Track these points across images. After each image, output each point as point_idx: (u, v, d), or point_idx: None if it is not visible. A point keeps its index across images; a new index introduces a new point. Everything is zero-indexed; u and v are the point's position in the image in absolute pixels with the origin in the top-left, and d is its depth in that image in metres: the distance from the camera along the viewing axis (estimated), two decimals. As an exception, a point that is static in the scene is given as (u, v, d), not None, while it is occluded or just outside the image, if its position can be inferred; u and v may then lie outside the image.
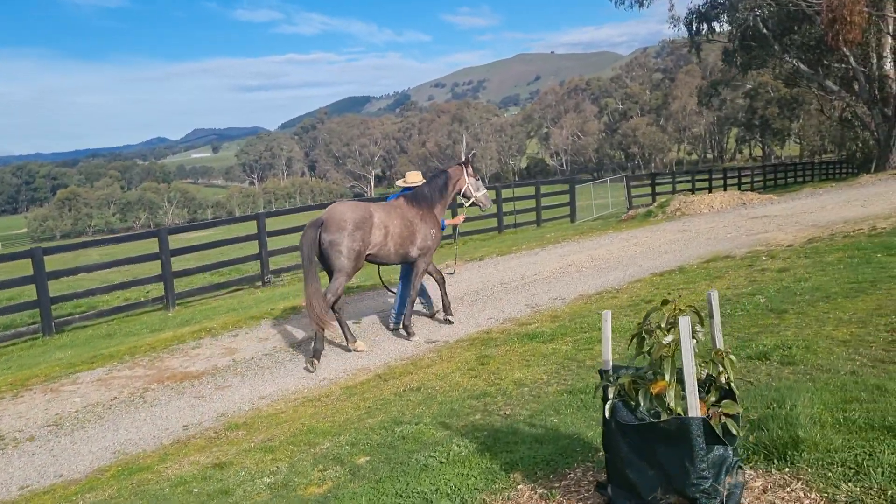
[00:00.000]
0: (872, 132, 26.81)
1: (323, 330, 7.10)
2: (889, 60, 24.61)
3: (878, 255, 8.81)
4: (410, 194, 8.03)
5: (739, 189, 30.76)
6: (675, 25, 29.17)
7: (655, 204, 19.44)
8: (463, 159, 8.41)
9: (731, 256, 10.72)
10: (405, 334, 8.09)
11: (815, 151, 69.84)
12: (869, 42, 25.62)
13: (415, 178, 8.64)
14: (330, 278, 7.28)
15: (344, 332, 7.78)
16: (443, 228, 8.47)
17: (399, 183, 8.79)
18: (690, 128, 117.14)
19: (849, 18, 20.35)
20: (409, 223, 7.67)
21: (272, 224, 14.54)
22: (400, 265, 8.41)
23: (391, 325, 8.54)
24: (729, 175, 32.53)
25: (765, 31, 27.20)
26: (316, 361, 7.21)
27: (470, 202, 8.36)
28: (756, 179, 35.45)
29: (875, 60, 25.55)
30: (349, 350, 7.80)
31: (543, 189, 22.86)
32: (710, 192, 27.42)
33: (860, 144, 32.65)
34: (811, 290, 7.54)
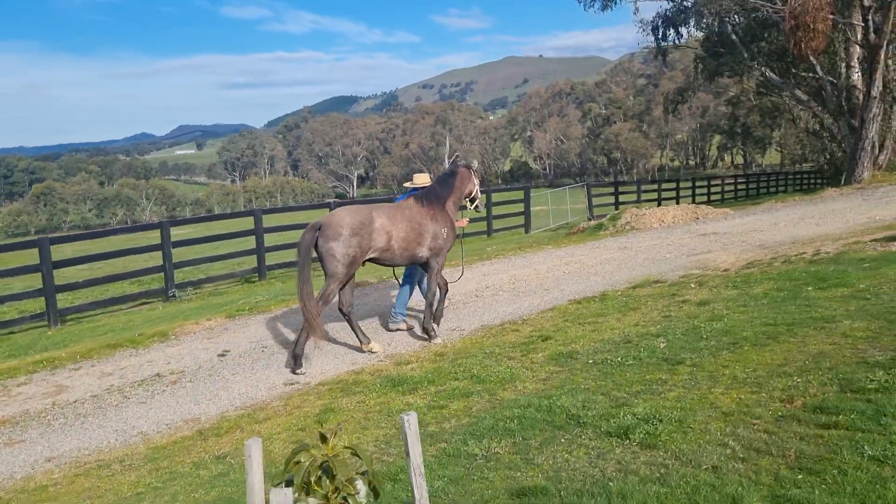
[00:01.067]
0: (839, 144, 25.95)
1: (311, 333, 6.98)
2: (857, 70, 23.71)
3: (809, 289, 7.79)
4: (422, 193, 7.90)
5: (709, 200, 29.88)
6: (643, 30, 28.21)
7: (608, 216, 18.43)
8: (465, 163, 8.44)
9: (661, 281, 9.69)
10: (427, 337, 7.93)
11: (796, 160, 69.31)
12: (836, 51, 24.75)
13: (423, 179, 8.75)
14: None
15: (356, 333, 7.60)
16: None
17: (407, 185, 8.78)
18: (673, 134, 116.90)
19: (812, 26, 19.41)
20: (418, 224, 7.54)
21: (178, 233, 13.34)
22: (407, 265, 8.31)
23: (389, 325, 8.52)
24: (698, 185, 31.60)
25: (734, 37, 26.28)
26: (299, 370, 7.10)
27: (474, 205, 8.45)
28: (727, 189, 34.58)
29: (843, 70, 24.68)
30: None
31: (496, 197, 21.87)
32: (677, 202, 26.62)
33: (828, 156, 31.81)
34: (721, 332, 6.50)
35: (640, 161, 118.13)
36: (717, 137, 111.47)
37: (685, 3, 25.63)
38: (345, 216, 7.12)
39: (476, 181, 8.31)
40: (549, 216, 25.61)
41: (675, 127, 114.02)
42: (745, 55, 26.31)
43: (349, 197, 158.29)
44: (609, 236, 15.99)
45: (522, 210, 21.24)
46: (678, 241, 13.51)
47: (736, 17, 26.24)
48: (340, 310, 7.55)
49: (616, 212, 18.70)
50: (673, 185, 29.65)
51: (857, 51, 23.65)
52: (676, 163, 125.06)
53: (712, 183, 33.41)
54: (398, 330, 8.47)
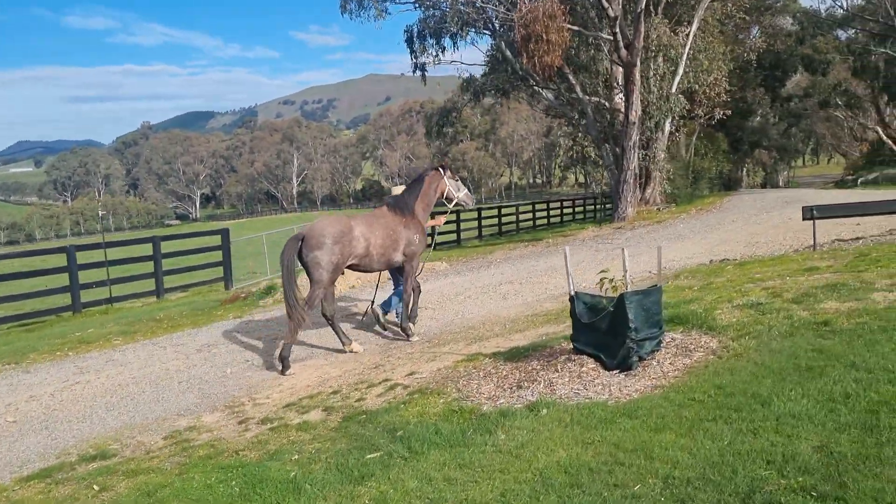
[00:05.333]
0: (610, 173, 22.68)
1: (294, 337, 7.27)
2: (619, 91, 20.57)
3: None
4: (393, 202, 8.13)
5: (480, 235, 26.28)
6: (405, 43, 24.10)
7: (271, 277, 13.85)
8: (435, 165, 8.59)
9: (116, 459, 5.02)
10: (404, 336, 8.12)
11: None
12: (597, 69, 21.70)
13: (399, 191, 8.68)
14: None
15: (339, 336, 7.77)
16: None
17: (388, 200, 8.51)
18: (520, 153, 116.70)
19: (545, 37, 15.87)
20: (392, 231, 7.81)
21: None
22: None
23: (387, 316, 8.60)
24: (484, 216, 27.87)
25: (508, 52, 22.68)
26: (289, 371, 7.11)
27: (454, 203, 8.50)
28: (523, 215, 31.33)
29: (602, 90, 21.64)
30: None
31: (188, 244, 16.76)
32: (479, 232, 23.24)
33: (606, 187, 29.11)
34: None
35: (486, 180, 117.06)
36: (561, 156, 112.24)
37: (434, 11, 21.65)
38: (326, 226, 7.39)
39: (450, 181, 8.40)
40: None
41: (520, 146, 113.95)
42: (519, 71, 22.79)
43: (192, 218, 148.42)
44: (263, 309, 11.40)
45: (221, 259, 16.25)
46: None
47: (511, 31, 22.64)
48: (324, 314, 7.76)
49: (273, 276, 14.11)
50: (475, 213, 25.59)
51: (620, 70, 20.54)
52: (525, 181, 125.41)
53: (504, 211, 29.90)
54: (389, 322, 8.63)
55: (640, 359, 5.21)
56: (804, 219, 9.62)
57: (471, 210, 25.54)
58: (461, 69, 25.36)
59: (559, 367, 5.38)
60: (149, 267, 14.92)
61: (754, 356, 5.04)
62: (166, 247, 15.77)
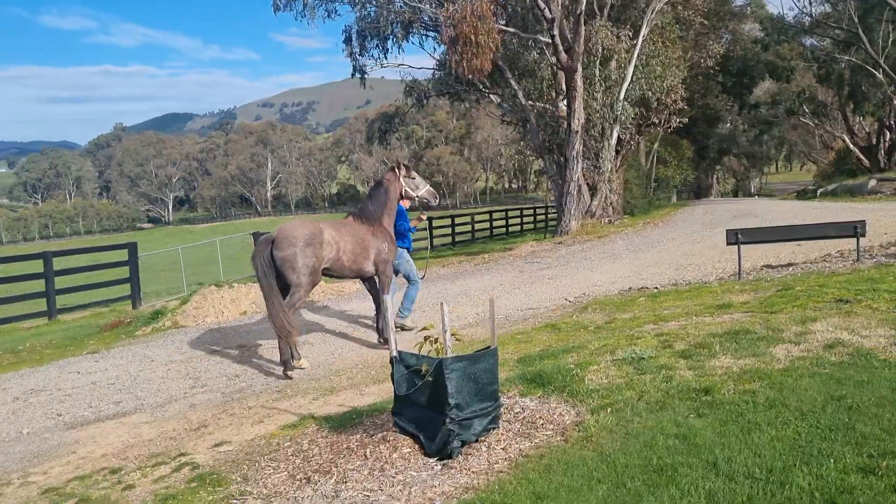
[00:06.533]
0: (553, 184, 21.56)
1: (289, 340, 7.14)
2: (563, 98, 19.48)
3: None
4: (357, 212, 7.98)
5: (453, 241, 25.28)
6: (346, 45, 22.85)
7: (180, 297, 12.68)
8: (389, 166, 8.36)
9: None
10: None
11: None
12: (540, 75, 20.64)
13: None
14: (284, 294, 7.19)
15: (291, 350, 7.37)
16: (413, 230, 8.93)
17: None
18: (496, 158, 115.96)
19: (473, 39, 14.79)
20: (361, 239, 7.69)
21: None
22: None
23: (396, 320, 8.63)
24: (436, 225, 26.83)
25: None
26: (291, 373, 7.20)
27: (417, 202, 8.30)
28: (479, 224, 30.33)
29: (546, 96, 20.57)
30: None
31: (99, 258, 15.45)
32: (430, 243, 21.68)
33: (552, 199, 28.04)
34: None
35: (461, 185, 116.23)
36: (537, 162, 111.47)
37: (369, 9, 20.42)
38: (296, 228, 7.27)
39: (405, 180, 8.04)
40: (218, 269, 19.25)
41: (496, 151, 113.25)
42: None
43: (164, 221, 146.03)
44: (139, 339, 10.22)
45: (128, 276, 14.95)
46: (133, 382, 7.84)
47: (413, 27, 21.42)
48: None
49: (186, 295, 12.96)
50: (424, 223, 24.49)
51: (563, 75, 19.46)
52: (501, 186, 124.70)
53: (458, 221, 28.88)
54: (403, 328, 8.67)
55: (464, 443, 4.10)
56: (728, 243, 8.61)
57: (422, 220, 24.45)
58: (408, 73, 24.25)
59: (368, 452, 4.27)
60: (40, 285, 13.64)
61: (605, 443, 3.96)
62: (67, 262, 14.51)
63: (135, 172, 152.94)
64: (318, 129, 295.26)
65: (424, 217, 9.43)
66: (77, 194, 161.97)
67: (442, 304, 4.22)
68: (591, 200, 19.54)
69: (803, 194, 30.93)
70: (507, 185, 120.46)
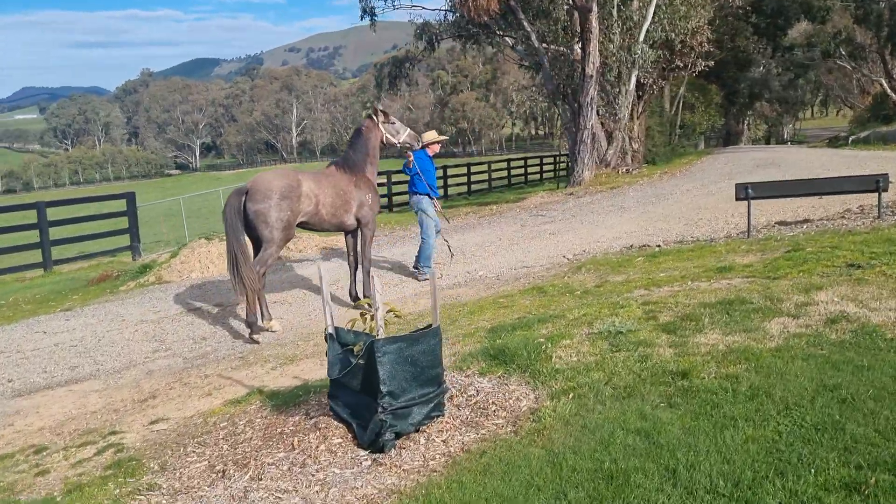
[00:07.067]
0: (567, 132, 20.61)
1: (253, 300, 6.76)
2: (578, 41, 18.39)
3: None
4: (340, 161, 7.73)
5: (446, 195, 24.65)
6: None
7: (168, 251, 12.34)
8: (367, 113, 8.27)
9: None
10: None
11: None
12: (556, 16, 19.55)
13: (430, 136, 8.75)
14: (255, 248, 6.94)
15: (261, 307, 7.05)
16: (413, 171, 8.65)
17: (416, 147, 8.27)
18: (520, 104, 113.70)
19: (480, -24, 13.84)
20: (343, 191, 7.39)
21: None
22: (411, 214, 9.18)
23: (418, 277, 8.76)
24: (451, 174, 26.22)
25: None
26: (258, 336, 6.79)
27: (400, 147, 8.07)
28: (496, 173, 29.69)
29: (562, 39, 19.51)
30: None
31: (96, 208, 15.18)
32: (445, 191, 21.22)
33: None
34: None
35: (487, 131, 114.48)
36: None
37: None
38: (272, 179, 6.93)
39: (385, 126, 7.75)
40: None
41: (520, 97, 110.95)
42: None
43: (192, 168, 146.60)
44: (121, 294, 9.94)
45: (127, 226, 14.62)
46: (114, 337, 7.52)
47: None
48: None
49: (176, 248, 12.58)
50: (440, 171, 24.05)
51: (577, 16, 18.34)
52: (527, 132, 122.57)
53: (473, 170, 28.25)
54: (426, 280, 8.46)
55: (399, 435, 3.63)
56: (737, 199, 7.93)
57: (438, 167, 23.84)
58: (419, 15, 23.28)
59: (297, 441, 3.82)
60: (34, 236, 13.39)
61: (557, 438, 3.46)
62: (63, 212, 14.22)
63: (162, 119, 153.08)
64: (344, 75, 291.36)
65: (412, 157, 9.18)
66: (106, 140, 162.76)
67: (373, 277, 3.70)
68: (607, 149, 18.67)
69: (835, 141, 29.53)
70: (533, 132, 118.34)
